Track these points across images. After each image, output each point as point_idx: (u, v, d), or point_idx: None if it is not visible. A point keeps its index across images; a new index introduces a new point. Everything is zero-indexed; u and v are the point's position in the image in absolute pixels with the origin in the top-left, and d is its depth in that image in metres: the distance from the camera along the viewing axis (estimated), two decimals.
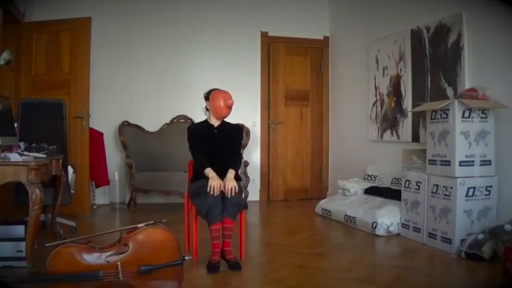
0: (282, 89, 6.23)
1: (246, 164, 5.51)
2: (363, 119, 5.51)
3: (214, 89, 3.37)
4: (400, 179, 4.36)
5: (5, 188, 3.36)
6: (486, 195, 3.43)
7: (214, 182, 3.01)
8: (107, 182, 5.40)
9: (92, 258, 2.32)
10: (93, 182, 5.35)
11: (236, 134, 3.44)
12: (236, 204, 3.04)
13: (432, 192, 3.62)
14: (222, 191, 3.03)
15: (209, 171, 3.11)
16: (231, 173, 3.14)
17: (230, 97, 3.31)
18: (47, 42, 4.94)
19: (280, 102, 6.23)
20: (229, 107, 3.31)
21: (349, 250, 3.60)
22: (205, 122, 3.42)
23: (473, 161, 3.43)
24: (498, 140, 3.51)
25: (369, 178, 5.06)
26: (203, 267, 3.01)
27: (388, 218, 4.02)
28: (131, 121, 5.61)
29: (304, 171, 6.36)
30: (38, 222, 2.78)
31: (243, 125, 5.52)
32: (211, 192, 2.98)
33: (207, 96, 3.36)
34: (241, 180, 3.38)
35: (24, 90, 4.88)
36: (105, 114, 5.49)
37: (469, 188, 3.39)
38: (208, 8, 5.95)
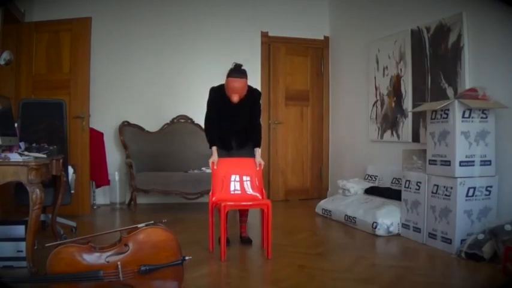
0: (282, 89, 6.23)
1: None
2: (363, 119, 5.51)
3: (230, 73, 3.48)
4: (400, 179, 4.36)
5: (5, 188, 3.37)
6: (486, 195, 3.43)
7: (212, 159, 3.49)
8: (107, 182, 5.40)
9: (92, 258, 2.32)
10: (94, 182, 5.35)
11: (253, 104, 3.61)
12: None
13: (432, 193, 3.61)
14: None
15: (213, 149, 3.54)
16: (257, 152, 3.56)
17: (235, 93, 3.45)
18: (47, 42, 4.93)
19: (280, 102, 6.23)
20: (235, 100, 3.47)
21: (349, 250, 3.60)
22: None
23: (473, 161, 3.43)
24: (498, 140, 3.51)
25: (369, 178, 5.06)
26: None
27: (388, 218, 4.02)
28: (131, 121, 5.61)
29: (304, 171, 6.36)
30: (38, 222, 2.79)
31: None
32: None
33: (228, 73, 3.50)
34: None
35: (24, 90, 4.87)
36: (105, 114, 5.49)
37: (469, 188, 3.39)
38: (209, 8, 5.94)
